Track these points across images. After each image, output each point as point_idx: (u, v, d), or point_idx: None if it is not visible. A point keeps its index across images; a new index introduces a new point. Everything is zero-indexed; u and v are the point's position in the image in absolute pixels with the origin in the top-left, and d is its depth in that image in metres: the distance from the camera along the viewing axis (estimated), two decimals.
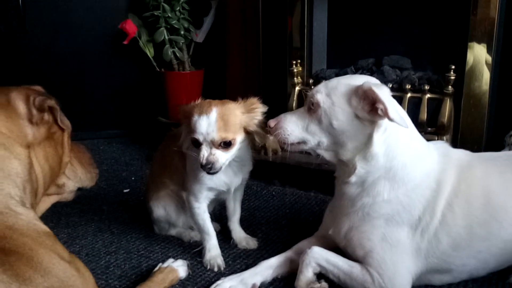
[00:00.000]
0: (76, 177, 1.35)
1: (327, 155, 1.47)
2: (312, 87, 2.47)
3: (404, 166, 1.41)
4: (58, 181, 1.29)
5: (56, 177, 1.26)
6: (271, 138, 1.59)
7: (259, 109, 1.56)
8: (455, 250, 1.41)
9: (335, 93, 1.41)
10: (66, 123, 1.24)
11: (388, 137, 1.39)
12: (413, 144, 1.44)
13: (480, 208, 1.40)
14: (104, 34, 3.17)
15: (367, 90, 1.33)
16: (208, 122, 1.47)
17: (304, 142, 1.46)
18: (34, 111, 1.14)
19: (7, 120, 1.10)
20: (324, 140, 1.44)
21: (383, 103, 1.30)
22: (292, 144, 1.47)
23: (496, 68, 2.11)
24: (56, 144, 1.23)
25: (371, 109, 1.35)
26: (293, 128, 1.46)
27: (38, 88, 1.25)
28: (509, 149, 2.00)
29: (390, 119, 1.30)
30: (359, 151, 1.41)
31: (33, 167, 1.15)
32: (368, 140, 1.39)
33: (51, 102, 1.18)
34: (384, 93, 1.32)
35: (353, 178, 1.43)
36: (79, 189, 1.39)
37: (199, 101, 1.56)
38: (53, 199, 1.31)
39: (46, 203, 1.28)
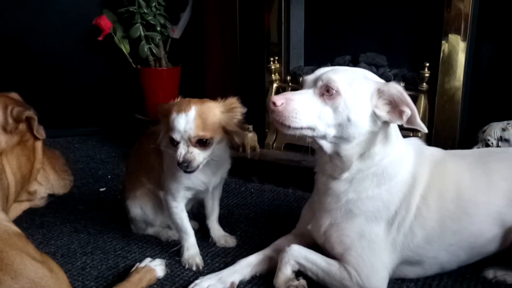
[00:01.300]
0: (48, 183, 1.33)
1: (327, 147, 1.39)
2: (290, 84, 2.51)
3: (392, 163, 1.43)
4: (30, 188, 1.28)
5: (27, 183, 1.25)
6: (249, 135, 1.59)
7: (238, 109, 1.56)
8: (428, 243, 1.44)
9: (357, 85, 1.35)
10: (41, 133, 1.24)
11: (386, 136, 1.40)
12: (398, 142, 1.45)
13: (452, 202, 1.44)
14: (79, 30, 3.10)
15: (396, 93, 1.32)
16: (187, 120, 1.47)
17: (311, 129, 1.35)
18: (10, 121, 1.14)
19: None
20: (333, 131, 1.35)
21: (412, 110, 1.30)
22: (298, 128, 1.34)
23: (469, 65, 2.15)
24: (28, 151, 1.22)
25: (390, 110, 1.34)
26: (306, 112, 1.33)
27: (15, 95, 1.24)
28: (482, 145, 2.04)
29: (415, 125, 1.31)
30: (360, 148, 1.38)
31: (5, 173, 1.14)
32: (372, 139, 1.38)
33: (29, 113, 1.18)
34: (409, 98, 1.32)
35: (345, 175, 1.42)
36: (51, 195, 1.37)
37: (178, 99, 1.55)
38: (24, 206, 1.30)
39: (17, 210, 1.26)
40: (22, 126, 1.18)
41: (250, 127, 2.44)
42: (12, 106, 1.15)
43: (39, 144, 1.26)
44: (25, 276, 1.00)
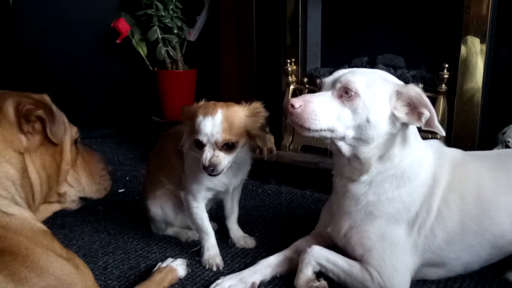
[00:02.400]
0: (80, 186, 1.30)
1: (345, 149, 1.39)
2: (307, 85, 2.51)
3: (411, 165, 1.42)
4: (59, 189, 1.25)
5: (55, 184, 1.23)
6: (269, 137, 1.59)
7: (262, 113, 1.57)
8: (449, 245, 1.44)
9: (376, 86, 1.35)
10: (58, 137, 1.18)
11: (405, 138, 1.40)
12: (417, 144, 1.45)
13: (472, 203, 1.43)
14: (97, 33, 3.14)
15: (416, 95, 1.32)
16: (213, 124, 1.48)
17: (330, 130, 1.35)
18: (22, 120, 1.11)
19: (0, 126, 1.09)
20: (351, 132, 1.35)
21: (431, 112, 1.30)
22: (317, 130, 1.34)
23: (488, 67, 2.14)
24: (54, 152, 1.20)
25: (408, 112, 1.34)
26: (325, 114, 1.33)
27: (40, 96, 1.18)
28: (502, 147, 2.03)
29: (433, 127, 1.31)
30: (379, 151, 1.39)
31: (28, 172, 1.13)
32: (391, 141, 1.38)
33: (39, 112, 1.13)
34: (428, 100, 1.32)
35: (364, 177, 1.42)
36: (85, 199, 1.34)
37: (202, 102, 1.56)
38: (54, 208, 1.28)
39: (47, 211, 1.25)
40: (39, 126, 1.15)
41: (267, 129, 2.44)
42: (23, 104, 1.11)
43: (67, 145, 1.23)
44: (51, 274, 1.01)
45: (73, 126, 1.26)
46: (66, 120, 1.24)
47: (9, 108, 1.11)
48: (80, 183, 1.30)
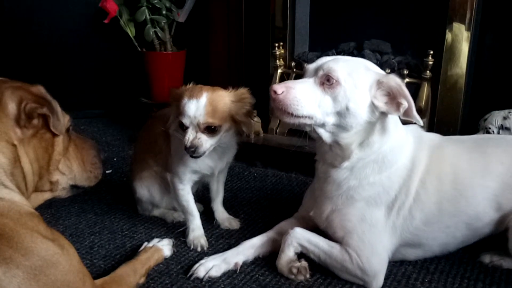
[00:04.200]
0: (71, 173, 1.31)
1: (326, 136, 1.42)
2: (294, 69, 2.52)
3: (392, 150, 1.46)
4: (51, 178, 1.27)
5: (47, 174, 1.25)
6: (256, 121, 1.61)
7: (248, 99, 1.59)
8: (426, 225, 1.49)
9: (358, 75, 1.37)
10: (59, 129, 1.21)
11: (384, 125, 1.43)
12: (397, 129, 1.49)
13: (449, 185, 1.48)
14: (84, 13, 3.10)
15: (395, 86, 1.34)
16: (197, 106, 1.50)
17: (310, 117, 1.38)
18: (23, 116, 1.14)
19: None
20: (331, 120, 1.38)
21: (409, 103, 1.33)
22: (299, 116, 1.37)
23: (473, 54, 2.17)
24: (46, 143, 1.22)
25: (388, 102, 1.37)
26: (307, 100, 1.36)
27: (36, 89, 1.21)
28: (483, 133, 2.07)
29: (411, 117, 1.34)
30: (359, 138, 1.42)
31: (20, 162, 1.15)
32: (370, 128, 1.41)
33: (43, 111, 1.16)
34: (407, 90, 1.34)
35: (345, 163, 1.45)
36: (76, 187, 1.35)
37: (191, 85, 1.58)
38: (46, 196, 1.30)
39: (38, 200, 1.26)
40: (37, 121, 1.18)
41: (254, 112, 2.46)
42: (26, 102, 1.14)
43: (59, 136, 1.24)
44: (35, 254, 1.04)
45: (66, 115, 1.26)
46: (60, 110, 1.24)
47: (10, 102, 1.13)
48: (71, 171, 1.31)
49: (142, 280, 1.48)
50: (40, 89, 1.22)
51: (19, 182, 1.16)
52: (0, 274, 0.97)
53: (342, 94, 1.36)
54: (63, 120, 1.25)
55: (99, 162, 1.39)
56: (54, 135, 1.23)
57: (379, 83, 1.37)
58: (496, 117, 2.05)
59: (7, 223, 1.04)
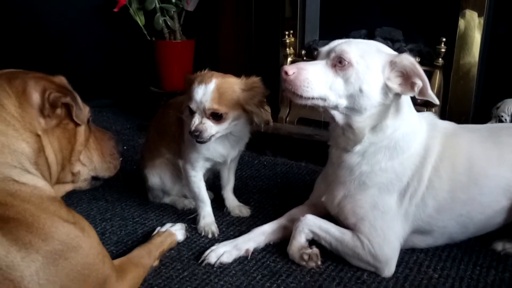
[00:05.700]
0: (92, 164, 1.32)
1: (339, 118, 1.41)
2: (305, 58, 2.51)
3: (405, 136, 1.45)
4: (73, 169, 1.28)
5: (69, 164, 1.26)
6: (266, 109, 1.60)
7: (259, 89, 1.57)
8: (438, 213, 1.48)
9: (370, 57, 1.36)
10: (81, 118, 1.22)
11: (398, 109, 1.42)
12: (410, 116, 1.47)
13: (463, 173, 1.47)
14: (94, 1, 3.11)
15: (409, 65, 1.33)
16: (204, 92, 1.50)
17: (323, 99, 1.38)
18: (47, 105, 1.15)
19: (20, 107, 1.12)
20: (344, 102, 1.38)
21: (424, 81, 1.31)
22: (309, 98, 1.37)
23: (486, 41, 2.14)
24: (69, 134, 1.23)
25: (402, 82, 1.36)
26: (318, 82, 1.36)
27: (59, 79, 1.22)
28: (496, 121, 2.05)
29: (427, 96, 1.33)
30: (372, 121, 1.41)
31: (44, 152, 1.16)
32: (384, 112, 1.40)
33: (67, 100, 1.17)
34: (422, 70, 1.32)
35: (357, 147, 1.45)
36: (96, 178, 1.36)
37: (205, 71, 1.58)
38: (68, 188, 1.31)
39: (60, 191, 1.27)
40: (60, 111, 1.18)
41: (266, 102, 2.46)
42: (50, 91, 1.15)
43: (81, 127, 1.25)
44: (56, 238, 1.05)
45: (86, 106, 1.27)
46: (80, 100, 1.25)
47: (34, 92, 1.14)
48: (92, 162, 1.32)
49: (156, 263, 1.50)
50: (62, 79, 1.23)
51: (44, 172, 1.17)
52: (18, 259, 0.98)
53: (354, 76, 1.35)
54: (85, 110, 1.25)
55: (117, 153, 1.41)
56: (76, 125, 1.24)
57: (392, 64, 1.35)
58: (509, 105, 2.04)
59: (28, 208, 1.06)
